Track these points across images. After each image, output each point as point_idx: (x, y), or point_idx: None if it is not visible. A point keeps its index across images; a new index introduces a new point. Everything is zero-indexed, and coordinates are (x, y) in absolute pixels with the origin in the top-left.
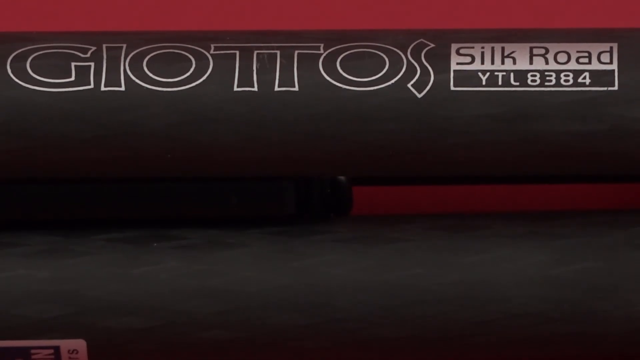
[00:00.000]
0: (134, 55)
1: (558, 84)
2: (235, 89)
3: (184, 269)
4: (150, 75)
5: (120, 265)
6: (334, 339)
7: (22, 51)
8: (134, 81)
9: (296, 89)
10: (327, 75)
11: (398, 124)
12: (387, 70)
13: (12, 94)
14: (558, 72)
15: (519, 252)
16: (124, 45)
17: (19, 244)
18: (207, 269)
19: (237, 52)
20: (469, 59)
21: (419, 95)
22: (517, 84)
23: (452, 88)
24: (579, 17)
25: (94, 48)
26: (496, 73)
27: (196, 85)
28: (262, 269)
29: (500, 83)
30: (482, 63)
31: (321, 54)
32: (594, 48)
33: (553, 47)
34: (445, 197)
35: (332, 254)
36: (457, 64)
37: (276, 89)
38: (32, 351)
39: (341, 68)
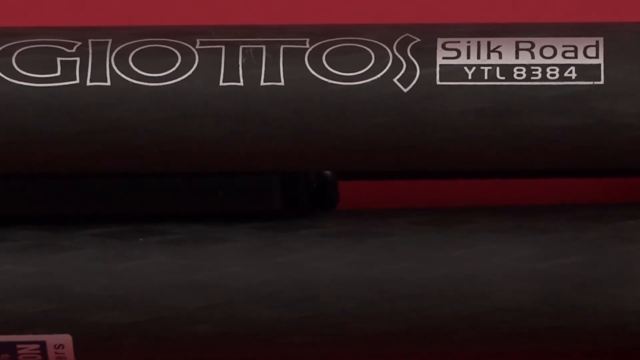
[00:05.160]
0: (119, 50)
1: (544, 78)
2: (221, 83)
3: (170, 263)
4: (136, 70)
5: (106, 260)
6: (320, 333)
7: (7, 46)
8: (119, 76)
9: (282, 83)
10: (313, 70)
11: (384, 118)
12: (373, 64)
13: None
14: (544, 67)
15: (505, 246)
16: (110, 40)
17: (5, 239)
18: (193, 263)
19: (223, 47)
20: (454, 54)
21: (405, 90)
22: (503, 78)
23: (438, 82)
24: (565, 12)
25: (79, 43)
26: (482, 67)
27: (182, 80)
28: (248, 264)
29: (486, 77)
30: (468, 57)
31: (307, 49)
32: (580, 42)
33: (539, 42)
34: (431, 192)
35: (319, 248)
36: (443, 58)
37: (262, 83)
38: (18, 346)
39: (327, 63)
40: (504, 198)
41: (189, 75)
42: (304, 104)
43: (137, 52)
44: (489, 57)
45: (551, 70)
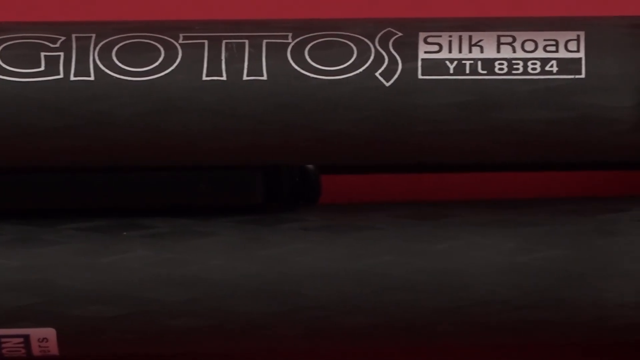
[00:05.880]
0: (103, 45)
1: (525, 72)
2: (204, 78)
3: (153, 257)
4: (120, 64)
5: (89, 254)
6: (303, 326)
7: None
8: (103, 71)
9: (265, 78)
10: (296, 64)
11: (366, 112)
12: (355, 59)
13: None
14: (525, 61)
15: (487, 239)
16: (93, 35)
17: None
18: (176, 257)
19: (206, 42)
20: (436, 48)
21: (387, 84)
22: (485, 72)
23: (420, 76)
24: (547, 6)
25: (63, 38)
26: (464, 61)
27: (165, 74)
28: (231, 258)
29: (467, 71)
30: (450, 51)
31: (289, 43)
32: (561, 36)
33: (520, 36)
34: (413, 185)
35: (301, 242)
36: (425, 52)
37: (245, 78)
38: (2, 340)
39: (309, 57)
40: (486, 191)
41: (172, 70)
42: (286, 98)
43: (121, 46)
44: (470, 51)
45: (532, 64)
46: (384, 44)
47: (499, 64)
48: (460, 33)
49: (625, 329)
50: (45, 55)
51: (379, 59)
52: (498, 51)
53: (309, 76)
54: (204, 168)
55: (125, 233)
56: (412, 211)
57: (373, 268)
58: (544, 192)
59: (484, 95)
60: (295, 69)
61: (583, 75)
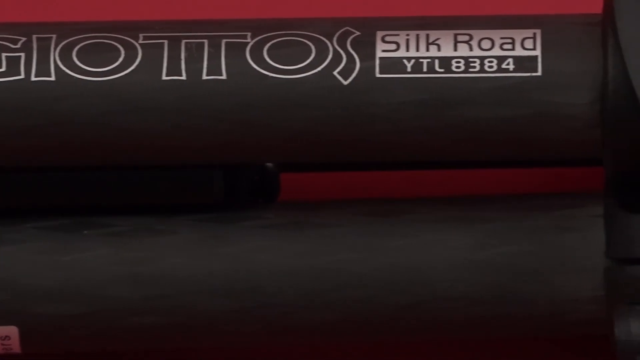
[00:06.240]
0: (63, 46)
1: (482, 70)
2: (164, 77)
3: (114, 255)
4: (80, 65)
5: (51, 252)
6: (264, 323)
7: None
8: (64, 71)
9: (224, 77)
10: (255, 63)
11: (324, 111)
12: (314, 58)
13: None
14: (482, 59)
15: (445, 236)
16: (54, 36)
17: None
18: (137, 255)
19: (166, 42)
20: (394, 46)
21: (345, 83)
22: (442, 70)
23: (378, 75)
24: (503, 4)
25: (24, 39)
26: (421, 60)
27: (125, 74)
28: (191, 256)
29: (425, 70)
30: (407, 50)
31: (248, 43)
32: (518, 34)
33: (477, 34)
34: (372, 183)
35: (260, 240)
36: (383, 51)
37: (204, 77)
38: None
39: (268, 56)
40: (445, 189)
41: (132, 70)
42: (245, 98)
43: (81, 47)
44: (427, 50)
45: (489, 62)
46: (342, 43)
47: (456, 62)
48: (418, 32)
49: (582, 324)
50: (6, 56)
51: (337, 58)
52: (455, 49)
53: (267, 75)
54: (164, 167)
55: (86, 232)
56: (371, 208)
57: (332, 265)
58: (501, 188)
59: (441, 93)
60: (254, 68)
61: (539, 73)
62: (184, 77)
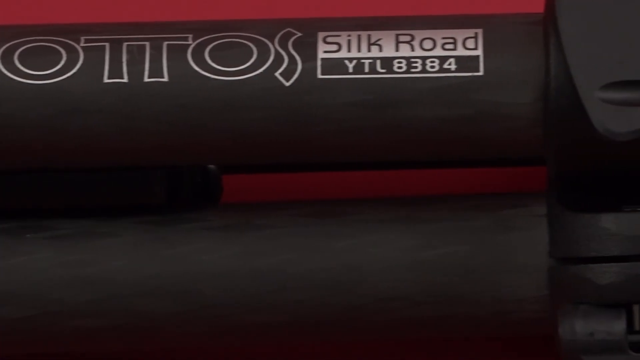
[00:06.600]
0: (5, 49)
1: (424, 70)
2: (105, 80)
3: (57, 258)
4: (22, 68)
5: None
6: (206, 325)
7: None
8: (5, 75)
9: (166, 79)
10: (196, 65)
11: (266, 112)
12: (255, 59)
13: None
14: (424, 59)
15: (387, 236)
16: None
17: None
18: (79, 258)
19: (107, 44)
20: (335, 47)
21: (287, 84)
22: (384, 71)
23: (320, 76)
24: (444, 4)
25: None
26: (362, 60)
27: (67, 77)
28: (133, 258)
29: (367, 70)
30: (349, 51)
31: (190, 45)
32: (459, 34)
33: (418, 34)
34: (314, 184)
35: (203, 241)
36: (324, 52)
37: (146, 79)
38: None
39: (210, 58)
40: (387, 189)
41: (74, 73)
42: (187, 99)
43: (23, 50)
44: (369, 50)
45: (431, 62)
46: (283, 44)
47: (398, 62)
48: (359, 32)
49: (527, 324)
50: None
51: (278, 59)
52: (397, 50)
53: (209, 77)
54: (106, 169)
55: (29, 235)
56: (312, 210)
57: (274, 266)
58: (445, 188)
59: (383, 93)
60: (196, 70)
61: (481, 73)
62: (125, 80)
